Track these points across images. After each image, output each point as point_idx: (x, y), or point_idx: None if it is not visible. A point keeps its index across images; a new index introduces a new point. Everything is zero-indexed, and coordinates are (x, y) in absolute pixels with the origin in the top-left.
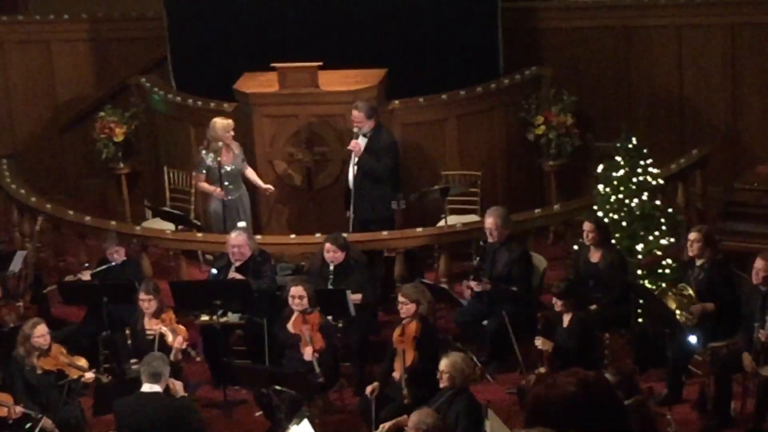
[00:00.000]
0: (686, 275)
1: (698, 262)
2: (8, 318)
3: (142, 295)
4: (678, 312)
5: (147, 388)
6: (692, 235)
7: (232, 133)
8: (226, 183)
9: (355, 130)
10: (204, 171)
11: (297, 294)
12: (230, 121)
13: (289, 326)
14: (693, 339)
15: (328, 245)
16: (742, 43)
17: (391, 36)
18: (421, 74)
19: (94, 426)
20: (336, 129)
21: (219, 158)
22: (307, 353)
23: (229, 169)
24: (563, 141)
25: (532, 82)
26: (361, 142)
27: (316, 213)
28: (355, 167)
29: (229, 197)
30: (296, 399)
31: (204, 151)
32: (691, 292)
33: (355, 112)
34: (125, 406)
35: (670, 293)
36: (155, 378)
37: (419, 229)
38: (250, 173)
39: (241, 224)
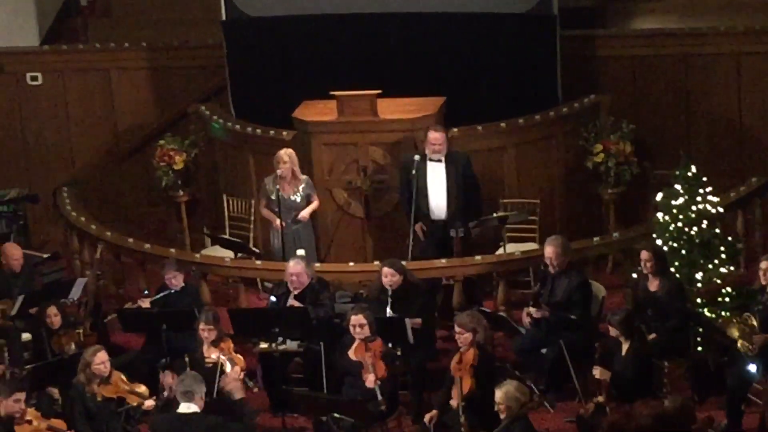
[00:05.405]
0: (755, 302)
1: None
2: (68, 346)
3: (202, 325)
4: (740, 342)
5: (184, 408)
6: (765, 264)
7: (283, 165)
8: (293, 214)
9: (435, 156)
10: (264, 199)
11: (358, 323)
12: (280, 153)
13: (351, 353)
14: (753, 368)
15: (385, 269)
16: None
17: (449, 64)
18: (479, 102)
19: None
20: (395, 157)
21: (278, 188)
22: (370, 381)
23: (287, 199)
24: (622, 169)
25: (591, 110)
26: (438, 167)
27: (374, 241)
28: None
29: (291, 228)
30: (355, 427)
31: (266, 180)
32: (754, 322)
33: (437, 135)
34: (162, 424)
35: (733, 321)
36: (188, 396)
37: (478, 257)
38: (311, 207)
39: (300, 252)
